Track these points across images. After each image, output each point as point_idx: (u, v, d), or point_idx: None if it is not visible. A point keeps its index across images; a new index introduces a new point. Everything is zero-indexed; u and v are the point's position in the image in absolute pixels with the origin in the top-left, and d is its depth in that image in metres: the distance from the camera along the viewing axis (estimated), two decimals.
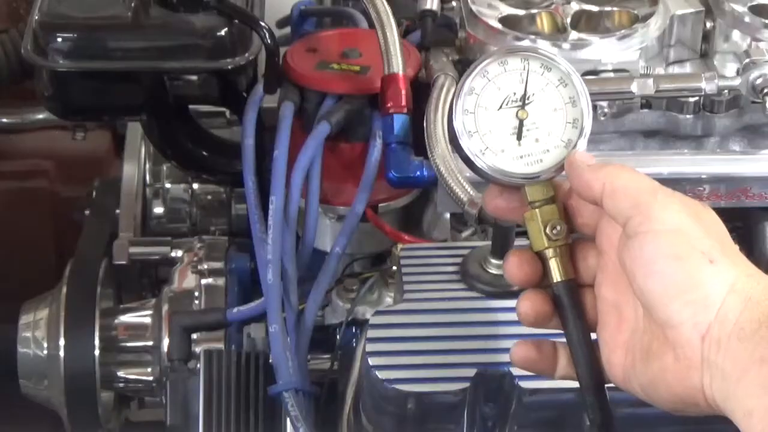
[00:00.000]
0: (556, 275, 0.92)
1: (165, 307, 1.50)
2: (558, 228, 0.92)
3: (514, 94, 0.93)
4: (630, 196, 0.88)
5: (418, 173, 1.28)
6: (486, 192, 0.96)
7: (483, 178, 0.94)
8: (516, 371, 1.07)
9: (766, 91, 1.25)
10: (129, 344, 1.52)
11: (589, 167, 0.90)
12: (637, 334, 0.90)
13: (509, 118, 0.93)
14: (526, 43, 1.30)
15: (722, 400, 0.83)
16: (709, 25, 1.37)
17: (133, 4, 1.38)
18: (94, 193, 1.84)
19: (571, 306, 0.92)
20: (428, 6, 1.42)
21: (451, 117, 0.93)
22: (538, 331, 0.95)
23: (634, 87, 1.26)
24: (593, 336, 0.93)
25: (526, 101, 0.93)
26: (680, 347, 0.85)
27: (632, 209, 0.87)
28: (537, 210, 0.92)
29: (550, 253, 0.92)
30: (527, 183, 0.93)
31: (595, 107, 1.29)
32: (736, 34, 1.36)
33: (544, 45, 1.30)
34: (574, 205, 0.93)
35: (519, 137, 0.93)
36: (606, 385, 0.93)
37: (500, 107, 0.93)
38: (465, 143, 0.93)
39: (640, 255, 0.86)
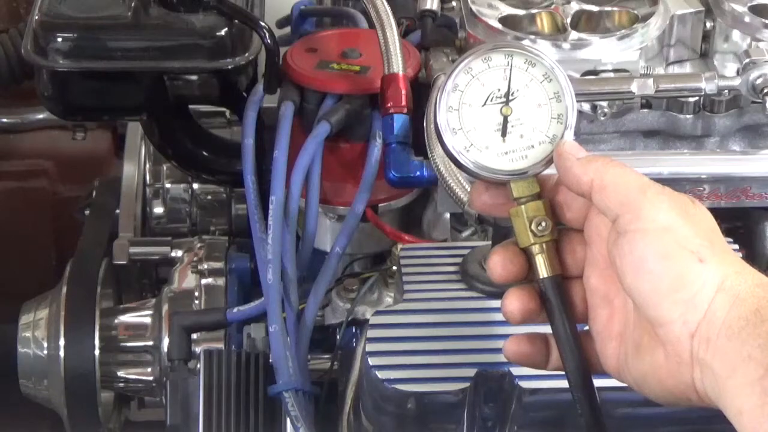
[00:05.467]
0: (543, 271, 0.92)
1: (165, 307, 1.50)
2: (544, 224, 0.92)
3: (498, 90, 0.93)
4: (619, 193, 0.87)
5: (418, 173, 1.28)
6: (472, 188, 0.96)
7: (468, 175, 0.94)
8: (516, 371, 1.07)
9: (766, 91, 1.25)
10: (129, 344, 1.52)
11: (579, 161, 0.90)
12: (629, 327, 0.90)
13: (493, 114, 0.93)
14: (526, 43, 1.30)
15: (715, 397, 0.83)
16: (709, 25, 1.37)
17: (133, 4, 1.38)
18: (94, 193, 1.84)
19: (557, 302, 0.92)
20: (428, 6, 1.42)
21: (435, 114, 0.93)
22: (537, 329, 0.95)
23: (634, 87, 1.25)
24: (585, 328, 0.93)
25: (511, 97, 0.93)
26: (670, 345, 0.85)
27: (621, 206, 0.87)
28: (522, 206, 0.92)
29: (536, 249, 0.92)
30: (512, 179, 0.92)
31: (595, 107, 1.29)
32: (736, 34, 1.36)
33: (544, 45, 1.30)
34: (562, 200, 0.93)
35: (503, 134, 0.92)
36: (596, 383, 0.92)
37: (484, 104, 0.93)
38: (449, 140, 0.92)
39: (629, 254, 0.86)
